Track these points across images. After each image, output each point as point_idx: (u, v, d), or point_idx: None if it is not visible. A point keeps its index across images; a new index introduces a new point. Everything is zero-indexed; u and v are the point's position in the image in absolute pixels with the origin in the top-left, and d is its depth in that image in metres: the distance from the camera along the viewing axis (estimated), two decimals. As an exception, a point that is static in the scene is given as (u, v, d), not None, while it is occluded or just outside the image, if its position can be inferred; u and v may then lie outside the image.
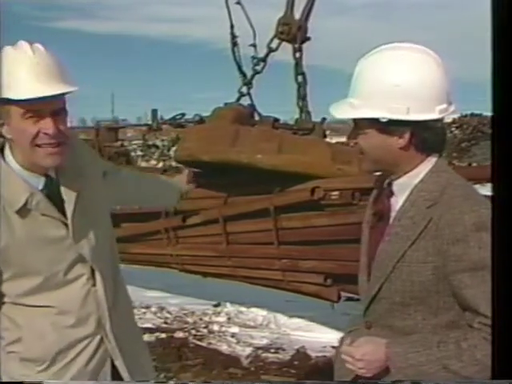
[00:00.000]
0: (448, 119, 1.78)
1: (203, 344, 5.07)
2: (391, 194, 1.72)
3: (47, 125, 1.77)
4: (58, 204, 1.90)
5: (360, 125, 1.67)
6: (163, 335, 5.22)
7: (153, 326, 5.47)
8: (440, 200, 1.61)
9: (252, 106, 4.98)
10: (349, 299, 4.40)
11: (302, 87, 4.82)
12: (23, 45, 1.78)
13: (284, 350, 4.89)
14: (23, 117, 1.76)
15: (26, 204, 1.83)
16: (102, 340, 1.98)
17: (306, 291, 4.38)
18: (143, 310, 5.88)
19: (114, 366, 2.02)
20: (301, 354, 4.72)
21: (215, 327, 5.48)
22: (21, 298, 1.91)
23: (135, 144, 16.67)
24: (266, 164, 4.16)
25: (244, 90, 4.99)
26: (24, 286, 1.89)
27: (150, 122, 6.27)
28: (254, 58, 4.96)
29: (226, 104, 4.87)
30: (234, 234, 4.60)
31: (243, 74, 5.02)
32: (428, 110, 1.60)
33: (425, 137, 1.63)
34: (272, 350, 4.88)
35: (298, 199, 4.18)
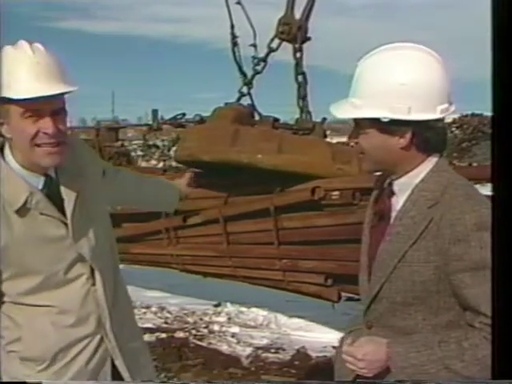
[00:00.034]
0: (448, 119, 1.78)
1: (203, 344, 5.06)
2: (392, 193, 1.72)
3: (46, 124, 1.77)
4: (58, 203, 1.90)
5: (361, 124, 1.67)
6: (163, 335, 5.22)
7: (153, 326, 5.47)
8: (441, 200, 1.61)
9: (252, 106, 4.99)
10: (349, 299, 4.41)
11: (302, 87, 4.82)
12: (23, 44, 1.78)
13: (284, 350, 4.88)
14: (22, 116, 1.76)
15: (25, 203, 1.83)
16: (102, 339, 1.98)
17: (307, 291, 4.39)
18: (144, 310, 5.88)
19: (114, 366, 2.02)
20: (301, 354, 4.72)
21: (215, 327, 5.48)
22: (21, 297, 1.90)
23: (135, 144, 16.70)
24: (266, 164, 4.16)
25: (244, 89, 4.99)
26: (24, 286, 1.89)
27: (150, 122, 6.28)
28: (254, 57, 4.97)
29: (226, 104, 4.88)
30: (234, 234, 4.61)
31: (243, 74, 5.02)
32: (429, 109, 1.60)
33: (426, 136, 1.63)
34: (272, 350, 4.88)
35: (298, 199, 4.18)
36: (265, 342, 5.08)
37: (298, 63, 4.77)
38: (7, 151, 1.89)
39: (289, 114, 5.74)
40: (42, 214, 1.86)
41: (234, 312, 5.84)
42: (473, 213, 1.56)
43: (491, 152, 1.33)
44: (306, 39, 4.78)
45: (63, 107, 1.85)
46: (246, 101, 5.00)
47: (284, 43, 4.82)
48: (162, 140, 18.15)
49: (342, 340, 1.87)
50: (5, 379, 1.94)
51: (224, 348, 4.96)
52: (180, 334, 5.27)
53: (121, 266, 2.19)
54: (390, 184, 1.72)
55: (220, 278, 4.98)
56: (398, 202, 1.70)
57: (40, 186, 1.89)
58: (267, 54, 4.93)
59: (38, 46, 1.79)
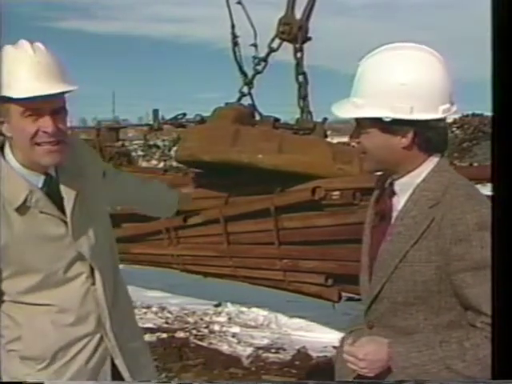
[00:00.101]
0: (449, 119, 1.78)
1: (204, 344, 5.06)
2: (393, 193, 1.71)
3: (46, 123, 1.78)
4: (58, 202, 1.90)
5: (362, 124, 1.67)
6: (164, 335, 5.22)
7: (154, 326, 5.47)
8: (442, 200, 1.61)
9: (253, 106, 4.99)
10: (350, 299, 4.40)
11: (302, 87, 4.82)
12: (24, 44, 1.79)
13: (285, 350, 4.88)
14: (23, 115, 1.77)
15: (25, 202, 1.84)
16: (101, 338, 1.98)
17: (307, 291, 4.39)
18: (144, 310, 5.88)
19: (114, 365, 2.02)
20: (302, 354, 4.72)
21: (216, 327, 5.48)
22: (21, 296, 1.91)
23: (136, 144, 16.69)
24: (266, 164, 4.17)
25: (245, 89, 4.99)
26: (24, 284, 1.89)
27: (151, 122, 6.27)
28: (254, 57, 4.97)
29: (226, 104, 4.88)
30: (234, 234, 4.61)
31: (244, 74, 5.02)
32: (431, 109, 1.60)
33: (428, 136, 1.63)
34: (273, 350, 4.88)
35: (298, 199, 4.18)
36: (265, 342, 5.07)
37: (299, 63, 4.77)
38: (7, 150, 1.89)
39: (289, 113, 5.75)
40: (41, 212, 1.86)
41: (235, 312, 5.84)
42: (474, 213, 1.56)
43: (491, 152, 1.33)
44: (307, 39, 4.78)
45: (63, 106, 1.85)
46: (246, 101, 5.01)
47: (284, 43, 4.83)
48: (163, 140, 18.14)
49: (342, 340, 1.87)
50: (5, 378, 1.94)
51: (224, 348, 4.96)
52: (181, 334, 5.27)
53: (121, 266, 2.19)
54: (391, 184, 1.72)
55: (220, 278, 4.98)
56: (399, 202, 1.69)
57: (40, 185, 1.89)
58: (268, 54, 4.93)
59: (39, 45, 1.79)
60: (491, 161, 1.33)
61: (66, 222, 1.89)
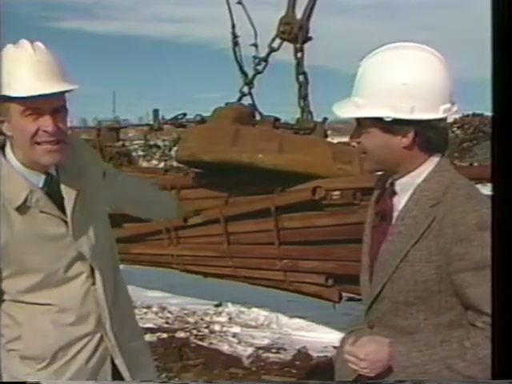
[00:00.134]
0: (449, 119, 1.78)
1: (204, 344, 5.06)
2: (393, 193, 1.71)
3: (46, 122, 1.78)
4: (58, 202, 1.90)
5: (363, 124, 1.67)
6: (164, 335, 5.22)
7: (154, 326, 5.47)
8: (443, 199, 1.61)
9: (253, 106, 4.99)
10: (350, 299, 4.40)
11: (303, 87, 4.82)
12: (24, 43, 1.79)
13: (285, 350, 4.88)
14: (23, 114, 1.77)
15: (25, 201, 1.84)
16: (101, 338, 1.97)
17: (307, 291, 4.39)
18: (144, 310, 5.88)
19: (114, 365, 2.01)
20: (302, 354, 4.72)
21: (216, 327, 5.48)
22: (21, 295, 1.91)
23: (136, 144, 16.70)
24: (267, 164, 4.17)
25: (245, 89, 4.99)
26: (24, 283, 1.89)
27: (151, 122, 6.27)
28: (255, 57, 4.97)
29: (227, 104, 4.88)
30: (235, 234, 4.61)
31: (244, 74, 5.02)
32: (432, 109, 1.60)
33: (428, 136, 1.63)
34: (273, 350, 4.88)
35: (299, 199, 4.18)
36: (266, 342, 5.08)
37: (299, 63, 4.77)
38: (8, 149, 1.89)
39: (290, 113, 5.75)
40: (42, 212, 1.86)
41: (235, 312, 5.85)
42: (475, 212, 1.56)
43: (491, 152, 1.33)
44: (307, 39, 4.77)
45: (64, 106, 1.85)
46: (246, 100, 5.01)
47: (285, 43, 4.82)
48: (163, 140, 18.15)
49: (342, 340, 1.87)
50: (5, 378, 1.94)
51: (225, 348, 4.96)
52: (181, 334, 5.27)
53: (121, 266, 2.19)
54: (392, 184, 1.72)
55: (221, 278, 4.98)
56: (399, 202, 1.69)
57: (40, 184, 1.89)
58: (268, 54, 4.93)
59: (39, 44, 1.80)
60: (491, 161, 1.33)
61: (66, 222, 1.89)
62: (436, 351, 1.58)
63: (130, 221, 4.98)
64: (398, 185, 1.70)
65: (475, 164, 13.98)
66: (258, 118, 4.93)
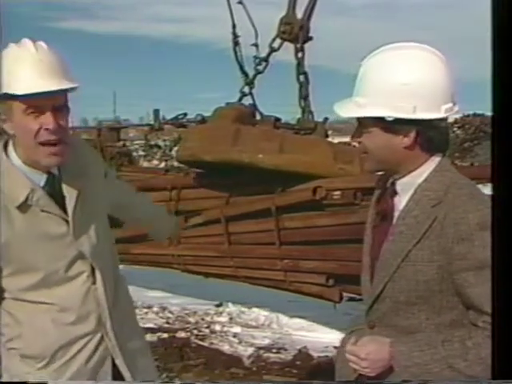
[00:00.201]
0: (450, 119, 1.78)
1: (205, 344, 5.06)
2: (394, 193, 1.71)
3: (48, 120, 1.78)
4: (59, 201, 1.90)
5: (364, 124, 1.67)
6: (165, 335, 5.22)
7: (155, 326, 5.47)
8: (444, 199, 1.61)
9: (254, 106, 4.99)
10: (351, 299, 4.40)
11: (303, 87, 4.82)
12: (26, 42, 1.80)
13: (286, 350, 4.88)
14: (25, 113, 1.77)
15: (26, 200, 1.84)
16: (102, 338, 1.97)
17: (308, 291, 4.39)
18: (145, 310, 5.88)
19: (114, 365, 2.01)
20: (303, 354, 4.72)
21: (217, 327, 5.48)
22: (22, 293, 1.91)
23: (137, 144, 16.70)
24: (267, 164, 4.17)
25: (246, 89, 5.00)
26: (25, 282, 1.89)
27: (151, 122, 6.28)
28: (255, 57, 4.97)
29: (227, 104, 4.88)
30: (235, 234, 4.61)
31: (245, 74, 5.03)
32: (434, 109, 1.60)
33: (430, 136, 1.63)
34: (274, 350, 4.88)
35: (299, 199, 4.18)
36: (266, 342, 5.08)
37: (300, 63, 4.77)
38: (10, 148, 1.90)
39: (290, 113, 5.75)
40: (43, 211, 1.87)
41: (236, 312, 5.84)
42: (476, 212, 1.56)
43: (491, 152, 1.33)
44: (308, 39, 4.77)
45: (65, 104, 1.86)
46: (247, 100, 5.01)
47: (286, 43, 4.82)
48: (164, 140, 18.14)
49: (342, 340, 1.87)
50: (5, 377, 1.94)
51: (226, 348, 4.96)
52: (182, 334, 5.27)
53: (122, 267, 2.19)
54: (393, 184, 1.72)
55: (221, 278, 4.98)
56: (400, 202, 1.69)
57: (42, 183, 1.89)
58: (269, 54, 4.93)
59: (41, 43, 1.80)
60: (491, 161, 1.33)
61: (67, 221, 1.90)
62: (437, 351, 1.58)
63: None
64: (399, 185, 1.70)
65: (476, 164, 13.97)
66: (258, 117, 4.93)
